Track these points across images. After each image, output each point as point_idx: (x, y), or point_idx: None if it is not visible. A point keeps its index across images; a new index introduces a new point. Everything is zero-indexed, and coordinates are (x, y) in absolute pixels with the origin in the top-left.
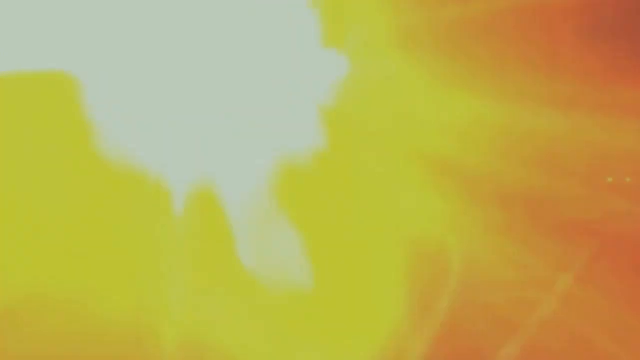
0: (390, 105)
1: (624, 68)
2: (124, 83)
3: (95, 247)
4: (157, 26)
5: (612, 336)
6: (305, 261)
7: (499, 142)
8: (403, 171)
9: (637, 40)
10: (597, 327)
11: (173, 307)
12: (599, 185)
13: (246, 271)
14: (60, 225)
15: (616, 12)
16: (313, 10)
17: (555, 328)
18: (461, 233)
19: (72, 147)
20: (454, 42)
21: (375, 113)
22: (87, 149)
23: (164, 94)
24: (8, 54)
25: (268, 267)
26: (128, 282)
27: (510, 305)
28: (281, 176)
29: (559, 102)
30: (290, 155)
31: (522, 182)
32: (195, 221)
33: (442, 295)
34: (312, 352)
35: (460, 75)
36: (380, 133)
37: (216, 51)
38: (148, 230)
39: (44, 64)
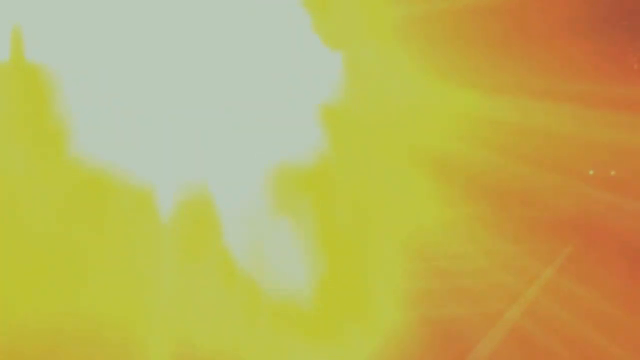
0: (385, 101)
1: (616, 64)
2: (123, 81)
3: (86, 245)
4: (155, 26)
5: (597, 327)
6: (300, 258)
7: (491, 137)
8: (395, 167)
9: (629, 38)
10: (582, 318)
11: (164, 305)
12: (586, 178)
13: (239, 270)
14: (51, 222)
15: (609, 10)
16: (309, 8)
17: (540, 319)
18: (450, 226)
19: (62, 145)
20: (450, 36)
21: (370, 108)
22: (77, 147)
23: (161, 92)
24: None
25: (262, 265)
26: (120, 280)
27: (496, 297)
28: (279, 173)
29: (549, 95)
30: (288, 152)
31: (509, 176)
32: (188, 220)
33: (430, 286)
34: (304, 348)
35: (455, 70)
36: (374, 129)
37: (214, 50)
38: (140, 228)
39: (39, 59)
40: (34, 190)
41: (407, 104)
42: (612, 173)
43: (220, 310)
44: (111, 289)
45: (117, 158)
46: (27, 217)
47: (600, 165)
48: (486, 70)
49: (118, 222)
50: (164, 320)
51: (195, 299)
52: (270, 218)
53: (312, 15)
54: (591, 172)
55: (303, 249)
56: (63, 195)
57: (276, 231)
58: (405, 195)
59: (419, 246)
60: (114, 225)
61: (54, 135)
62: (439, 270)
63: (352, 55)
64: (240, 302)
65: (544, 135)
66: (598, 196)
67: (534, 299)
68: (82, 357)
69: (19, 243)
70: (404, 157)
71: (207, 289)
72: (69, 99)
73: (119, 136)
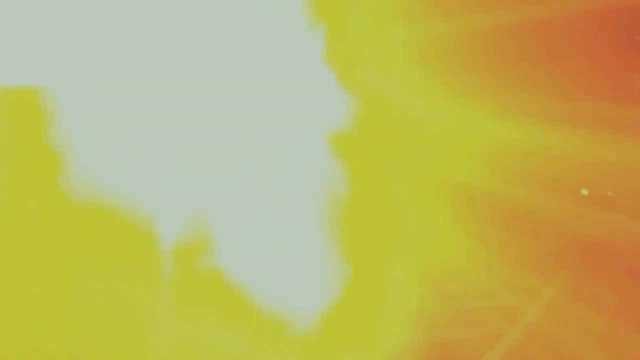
0: (394, 122)
1: (613, 85)
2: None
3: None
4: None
5: (592, 343)
6: (305, 277)
7: (498, 158)
8: (409, 190)
9: (634, 57)
10: (579, 335)
11: (163, 318)
12: (589, 198)
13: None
14: (50, 232)
15: (610, 33)
16: (317, 29)
17: (538, 335)
18: (457, 248)
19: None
20: (454, 58)
21: (378, 129)
22: (74, 163)
23: (157, 111)
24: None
25: (266, 283)
26: (121, 291)
27: (497, 313)
28: (283, 195)
29: (554, 117)
30: (294, 174)
31: (509, 195)
32: (188, 238)
33: (436, 303)
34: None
35: (462, 91)
36: (384, 150)
37: (217, 75)
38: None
39: (30, 80)
40: (32, 210)
41: (418, 126)
42: (610, 193)
43: (223, 329)
44: (106, 307)
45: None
46: (23, 237)
47: (596, 185)
48: (486, 91)
49: (117, 247)
50: (164, 339)
51: (196, 324)
52: (274, 236)
53: (322, 38)
54: (585, 192)
55: (310, 266)
56: (59, 209)
57: (281, 249)
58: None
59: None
60: (112, 251)
61: (52, 157)
62: None
63: (362, 77)
64: (245, 321)
65: (542, 155)
66: (603, 216)
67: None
68: None
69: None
70: (415, 182)
71: (210, 307)
72: (66, 120)
73: (118, 159)
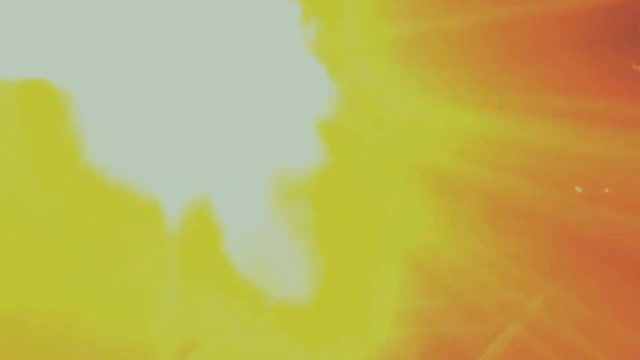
0: (380, 115)
1: (605, 81)
2: (120, 95)
3: (90, 253)
4: (151, 37)
5: (591, 338)
6: (299, 266)
7: (486, 151)
8: (395, 180)
9: (619, 55)
10: (577, 329)
11: (168, 311)
12: (589, 194)
13: (240, 277)
14: (57, 230)
15: (599, 28)
16: (306, 21)
17: (538, 330)
18: (449, 239)
19: (66, 156)
20: (442, 53)
21: (365, 122)
22: (81, 158)
23: (158, 104)
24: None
25: (263, 272)
26: (124, 288)
27: (496, 308)
28: (277, 186)
29: (541, 112)
30: (286, 165)
31: (507, 191)
32: (190, 229)
33: (431, 297)
34: (304, 352)
35: (448, 85)
36: (371, 142)
37: (211, 65)
38: (145, 236)
39: (38, 73)
40: (38, 197)
41: (404, 121)
42: (606, 190)
43: (223, 316)
44: (113, 296)
45: (121, 166)
46: (29, 224)
47: (591, 182)
48: (482, 86)
49: (122, 230)
50: (167, 326)
51: (199, 305)
52: (270, 226)
53: (309, 33)
54: (578, 190)
55: (303, 255)
56: (67, 203)
57: (277, 239)
58: (404, 210)
59: None
60: (118, 234)
61: (60, 142)
62: None
63: (349, 72)
64: (243, 308)
65: (536, 151)
66: (599, 213)
67: None
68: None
69: (20, 250)
70: (402, 172)
71: (211, 295)
72: (74, 109)
73: (123, 144)
